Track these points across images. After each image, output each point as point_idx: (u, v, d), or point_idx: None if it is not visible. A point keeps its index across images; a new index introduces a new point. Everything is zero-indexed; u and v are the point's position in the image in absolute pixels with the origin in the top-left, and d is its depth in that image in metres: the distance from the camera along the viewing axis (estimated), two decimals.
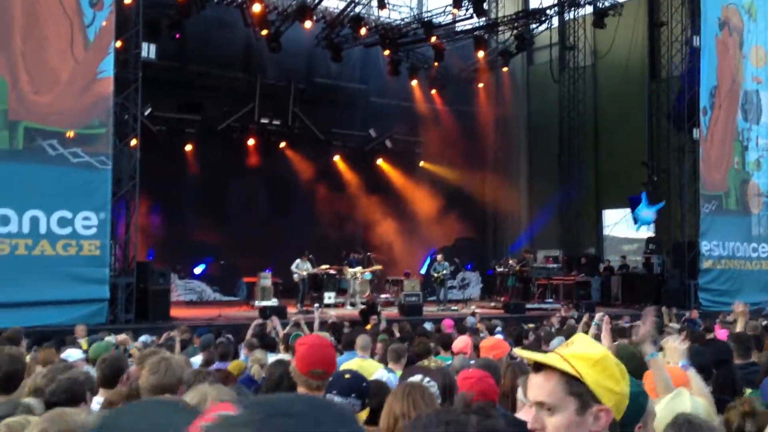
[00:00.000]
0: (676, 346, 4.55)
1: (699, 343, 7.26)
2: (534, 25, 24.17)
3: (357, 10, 21.66)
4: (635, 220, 19.70)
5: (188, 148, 20.60)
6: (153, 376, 3.48)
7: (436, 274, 18.92)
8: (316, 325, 10.16)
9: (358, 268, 19.06)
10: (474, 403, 1.73)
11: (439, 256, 19.57)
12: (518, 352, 2.11)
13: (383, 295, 19.90)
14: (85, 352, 6.57)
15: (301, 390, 3.46)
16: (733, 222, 20.03)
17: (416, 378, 3.69)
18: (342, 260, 19.43)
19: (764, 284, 20.31)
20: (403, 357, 6.25)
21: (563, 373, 1.76)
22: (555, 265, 21.19)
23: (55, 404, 3.69)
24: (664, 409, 3.00)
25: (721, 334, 9.31)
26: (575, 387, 1.76)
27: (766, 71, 21.24)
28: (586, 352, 1.81)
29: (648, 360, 4.09)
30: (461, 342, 7.02)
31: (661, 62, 22.25)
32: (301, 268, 17.94)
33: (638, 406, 2.14)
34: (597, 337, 7.87)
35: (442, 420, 1.05)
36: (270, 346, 7.93)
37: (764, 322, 11.53)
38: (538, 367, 1.82)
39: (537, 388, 1.80)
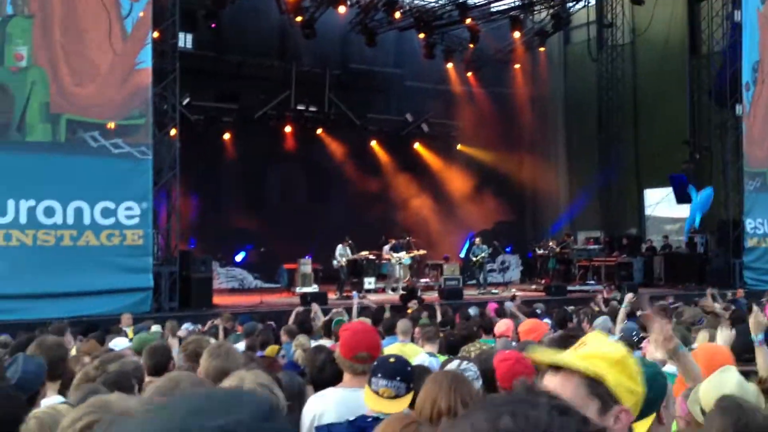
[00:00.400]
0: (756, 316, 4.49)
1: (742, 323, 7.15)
2: (571, 4, 23.79)
3: None
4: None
5: (226, 136, 20.81)
6: (215, 360, 3.55)
7: (475, 258, 18.89)
8: (354, 311, 10.24)
9: (402, 253, 19.11)
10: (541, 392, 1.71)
11: (478, 239, 19.52)
12: (533, 356, 1.91)
13: (423, 280, 19.92)
14: (131, 341, 6.70)
15: (346, 375, 3.50)
16: None
17: (454, 364, 3.70)
18: (381, 245, 19.47)
19: None
20: (434, 338, 6.27)
21: (584, 375, 1.73)
22: (596, 247, 20.96)
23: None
24: (709, 382, 2.97)
25: None
26: (597, 388, 1.72)
27: None
28: (605, 352, 1.79)
29: (678, 354, 4.02)
30: (503, 325, 7.02)
31: (702, 38, 21.73)
32: (343, 254, 18.08)
33: (659, 386, 2.12)
34: (630, 316, 7.80)
35: (512, 399, 1.03)
36: (309, 331, 7.99)
37: None
38: (557, 367, 1.77)
39: (556, 389, 1.71)
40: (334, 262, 18.11)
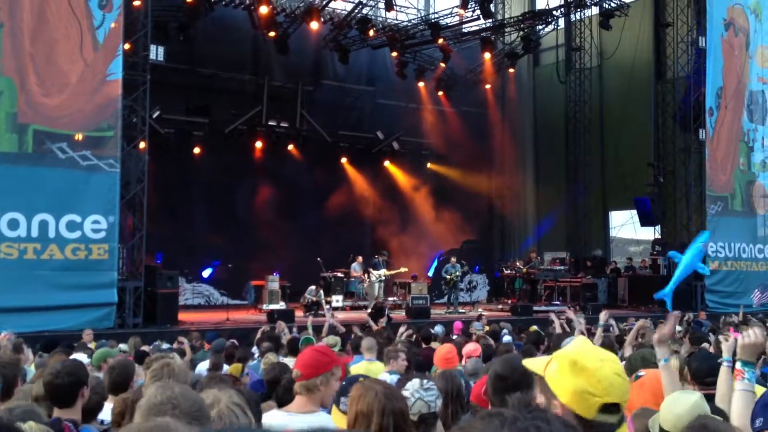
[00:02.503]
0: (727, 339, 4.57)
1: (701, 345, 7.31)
2: (540, 27, 24.19)
3: (364, 11, 21.74)
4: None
5: (196, 150, 20.68)
6: (156, 381, 3.53)
7: (449, 276, 18.97)
8: (325, 328, 10.23)
9: (383, 270, 19.17)
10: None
11: (453, 258, 19.63)
12: (525, 363, 2.23)
13: (391, 298, 19.95)
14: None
15: (297, 398, 3.51)
16: (739, 223, 20.00)
17: (415, 382, 3.70)
18: (349, 263, 19.48)
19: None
20: (373, 350, 6.31)
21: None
22: (562, 267, 21.18)
23: (60, 386, 3.75)
24: (668, 402, 3.06)
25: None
26: (543, 385, 2.00)
27: None
28: (557, 353, 2.05)
29: (661, 364, 4.12)
30: (471, 346, 7.06)
31: (667, 63, 22.24)
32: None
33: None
34: (608, 340, 7.93)
35: (525, 416, 1.12)
36: (276, 349, 7.97)
37: None
38: None
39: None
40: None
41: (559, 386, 1.97)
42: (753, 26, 20.76)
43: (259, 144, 21.80)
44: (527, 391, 2.96)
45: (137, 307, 13.68)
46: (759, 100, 20.77)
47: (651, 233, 22.29)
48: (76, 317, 12.50)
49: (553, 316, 8.55)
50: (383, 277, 19.09)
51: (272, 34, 20.65)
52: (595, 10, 23.24)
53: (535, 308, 18.52)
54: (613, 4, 22.31)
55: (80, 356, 6.44)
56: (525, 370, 3.06)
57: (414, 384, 3.67)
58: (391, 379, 5.22)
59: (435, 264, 22.63)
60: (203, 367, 7.03)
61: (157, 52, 19.47)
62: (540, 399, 2.06)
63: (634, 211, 21.60)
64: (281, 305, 17.21)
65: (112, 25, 13.74)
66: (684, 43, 21.07)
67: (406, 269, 20.08)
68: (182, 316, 15.21)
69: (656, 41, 23.14)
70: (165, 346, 9.26)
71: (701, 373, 4.59)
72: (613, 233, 25.23)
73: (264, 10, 19.48)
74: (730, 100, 20.01)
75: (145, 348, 8.40)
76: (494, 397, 3.08)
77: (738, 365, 3.83)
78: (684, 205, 20.47)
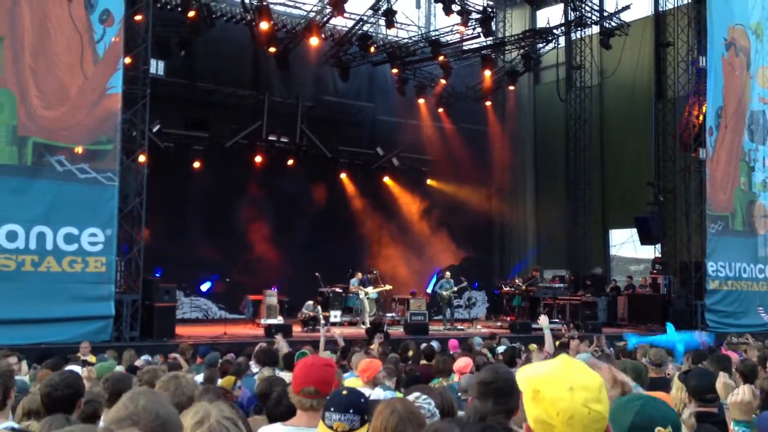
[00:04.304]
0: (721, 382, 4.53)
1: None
2: (541, 45, 24.29)
3: (365, 28, 21.83)
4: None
5: (196, 165, 20.67)
6: (164, 393, 3.49)
7: (445, 293, 18.91)
8: (321, 344, 10.19)
9: (370, 288, 19.12)
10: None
11: (447, 274, 19.57)
12: (518, 373, 2.15)
13: (389, 314, 19.87)
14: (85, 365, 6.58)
15: (298, 411, 3.44)
16: (740, 243, 19.93)
17: (413, 396, 3.69)
18: (348, 278, 19.43)
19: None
20: (392, 374, 6.29)
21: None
22: (561, 285, 21.10)
23: (59, 398, 3.71)
24: None
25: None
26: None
27: None
28: (525, 373, 1.99)
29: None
30: (463, 362, 7.04)
31: (667, 82, 22.30)
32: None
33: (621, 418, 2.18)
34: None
35: None
36: (274, 363, 7.93)
37: None
38: None
39: None
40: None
41: (526, 409, 1.93)
42: (754, 46, 20.80)
43: (258, 159, 21.80)
44: (507, 399, 2.97)
45: (134, 321, 13.61)
46: (760, 120, 20.77)
47: (651, 252, 22.24)
48: (72, 330, 12.44)
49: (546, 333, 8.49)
50: (369, 295, 19.04)
51: (273, 49, 20.73)
52: (595, 29, 23.35)
53: (534, 326, 18.42)
54: (613, 24, 22.42)
55: (75, 368, 6.38)
56: (508, 377, 3.07)
57: (411, 398, 3.68)
58: (386, 395, 5.20)
59: (434, 280, 22.57)
60: (198, 380, 6.96)
61: (157, 67, 19.53)
62: (520, 413, 2.06)
63: (635, 230, 21.56)
64: (279, 320, 17.13)
65: (113, 39, 13.78)
66: (684, 62, 21.11)
67: (391, 287, 20.04)
68: (180, 329, 15.13)
69: (657, 60, 23.23)
70: (148, 358, 9.19)
71: (701, 389, 4.57)
72: (613, 252, 25.19)
73: (264, 26, 19.58)
74: (730, 120, 20.01)
75: (138, 363, 8.33)
76: (477, 401, 3.10)
77: (732, 425, 3.77)
78: (684, 224, 20.43)
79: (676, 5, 22.13)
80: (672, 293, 19.91)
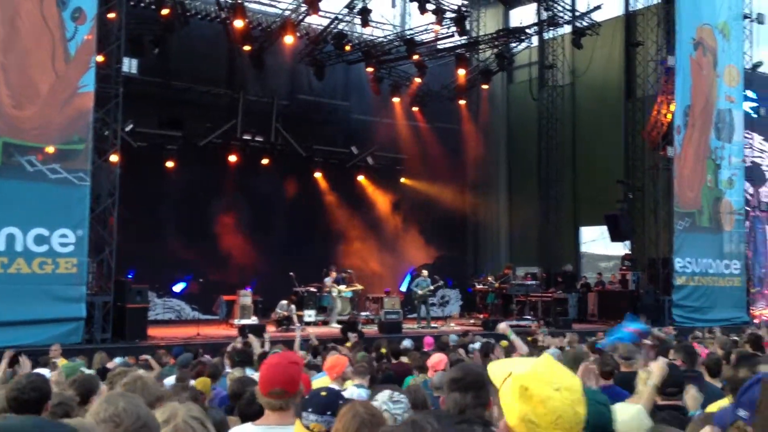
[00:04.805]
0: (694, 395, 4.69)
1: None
2: (514, 44, 24.50)
3: (340, 27, 21.87)
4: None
5: (169, 164, 20.53)
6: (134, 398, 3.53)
7: (420, 291, 19.03)
8: (297, 343, 10.24)
9: (343, 286, 19.19)
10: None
11: (424, 272, 19.69)
12: (490, 368, 2.09)
13: (364, 313, 19.96)
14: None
15: (266, 411, 3.42)
16: (706, 239, 20.32)
17: (385, 394, 3.75)
18: (323, 277, 19.50)
19: (735, 300, 20.63)
20: (365, 372, 6.36)
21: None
22: (533, 282, 21.34)
23: (26, 402, 3.75)
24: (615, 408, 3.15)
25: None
26: (497, 398, 1.94)
27: (739, 91, 21.63)
28: (517, 371, 1.93)
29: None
30: (436, 358, 7.14)
31: (637, 81, 22.61)
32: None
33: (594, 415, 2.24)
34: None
35: (447, 429, 1.07)
36: (247, 362, 7.97)
37: (734, 337, 11.76)
38: None
39: None
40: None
41: (508, 408, 1.89)
42: (721, 46, 21.16)
43: (233, 158, 21.73)
44: (480, 392, 2.99)
45: (106, 322, 13.53)
46: (726, 119, 21.15)
47: (621, 249, 22.57)
48: (43, 332, 12.34)
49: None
50: (343, 293, 19.13)
51: (247, 48, 20.71)
52: (567, 28, 23.58)
53: (507, 323, 18.60)
54: (585, 23, 22.67)
55: (43, 371, 6.40)
56: (478, 373, 3.14)
57: (384, 396, 3.73)
58: (359, 393, 5.28)
59: (408, 279, 22.70)
60: (169, 382, 7.01)
61: (130, 65, 19.42)
62: (495, 410, 2.01)
63: (605, 227, 21.87)
64: (253, 320, 17.14)
65: (86, 37, 13.68)
66: (654, 61, 21.43)
67: (362, 287, 20.13)
68: (152, 331, 15.08)
69: (627, 60, 23.54)
70: (120, 360, 9.20)
71: (663, 383, 4.68)
72: (584, 249, 25.50)
73: (239, 24, 19.53)
74: (697, 119, 20.37)
75: (110, 365, 8.34)
76: (456, 394, 3.14)
77: None
78: (653, 221, 20.78)
79: (646, 5, 22.42)
80: (641, 289, 20.24)
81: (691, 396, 4.77)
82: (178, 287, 20.13)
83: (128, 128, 18.19)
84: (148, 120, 20.01)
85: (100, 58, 14.10)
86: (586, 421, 1.94)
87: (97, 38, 13.89)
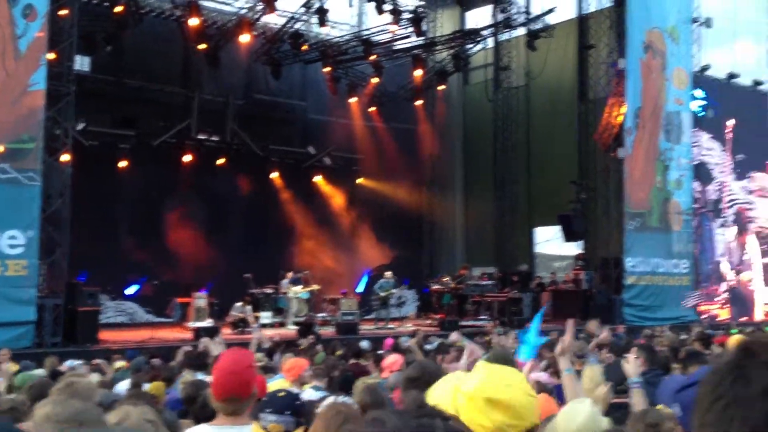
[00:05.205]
0: (631, 360, 4.81)
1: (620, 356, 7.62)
2: (470, 46, 24.72)
3: (297, 26, 21.80)
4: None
5: (122, 164, 20.22)
6: (77, 403, 3.50)
7: (384, 293, 19.08)
8: (253, 346, 10.18)
9: (299, 287, 19.12)
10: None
11: (388, 273, 19.76)
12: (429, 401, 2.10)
13: (320, 314, 19.93)
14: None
15: (219, 415, 3.33)
16: (656, 239, 20.78)
17: (329, 399, 3.79)
18: (279, 279, 19.42)
19: (684, 299, 21.15)
20: (322, 374, 6.39)
21: None
22: (489, 282, 21.57)
23: None
24: (564, 413, 3.21)
25: None
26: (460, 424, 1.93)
27: (688, 93, 22.17)
28: (465, 389, 1.99)
29: (564, 374, 4.32)
30: (392, 359, 7.20)
31: (590, 84, 23.01)
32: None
33: None
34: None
35: (409, 425, 1.06)
36: (202, 367, 7.92)
37: (683, 336, 12.09)
38: None
39: None
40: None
41: (476, 424, 1.91)
42: (670, 49, 21.65)
43: (187, 158, 21.43)
44: None
45: (57, 326, 13.27)
46: (675, 121, 21.66)
47: (574, 249, 22.95)
48: None
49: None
50: (299, 294, 19.09)
51: (203, 46, 20.50)
52: (522, 31, 23.86)
53: (463, 323, 18.81)
54: (539, 26, 22.97)
55: None
56: (435, 370, 3.19)
57: (340, 398, 3.77)
58: (317, 395, 5.32)
59: (365, 280, 22.73)
60: (123, 386, 6.95)
61: (82, 63, 19.04)
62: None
63: (559, 227, 22.22)
64: (208, 322, 16.98)
65: (37, 34, 13.44)
66: (605, 64, 21.83)
67: (320, 287, 20.13)
68: (104, 334, 14.81)
69: (580, 62, 23.93)
70: (77, 362, 9.08)
71: (613, 381, 4.85)
72: (538, 249, 25.86)
73: (194, 22, 19.33)
74: (647, 121, 20.82)
75: (62, 368, 8.23)
76: (406, 395, 3.18)
77: None
78: (605, 221, 21.18)
79: (598, 9, 22.81)
80: (593, 288, 20.61)
81: (630, 361, 4.87)
82: (131, 290, 19.80)
83: (80, 127, 17.88)
84: (100, 119, 19.68)
85: (51, 56, 13.88)
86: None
87: (49, 35, 13.67)
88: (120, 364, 9.36)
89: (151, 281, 19.39)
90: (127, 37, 19.78)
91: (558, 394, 4.54)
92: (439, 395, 2.07)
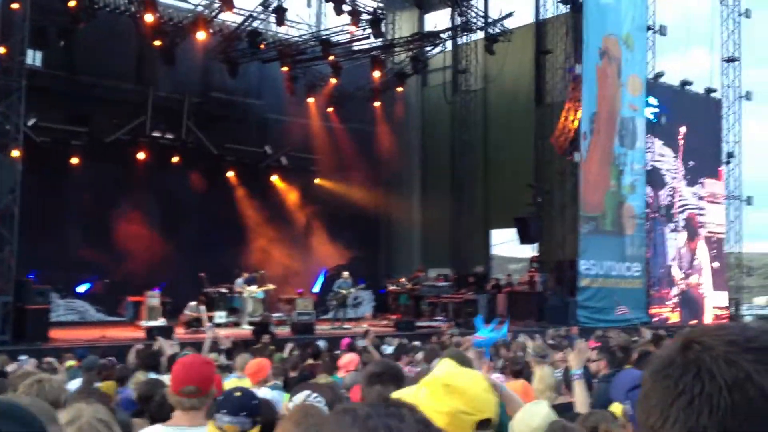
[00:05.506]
0: (580, 349, 4.90)
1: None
2: (429, 48, 24.83)
3: (255, 25, 21.62)
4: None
5: (74, 161, 19.84)
6: (26, 398, 3.41)
7: (343, 291, 19.03)
8: (206, 346, 10.05)
9: (254, 287, 18.96)
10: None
11: (346, 273, 19.71)
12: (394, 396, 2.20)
13: (276, 314, 19.79)
14: None
15: (176, 411, 3.36)
16: (609, 242, 21.14)
17: (303, 394, 3.77)
18: (234, 278, 19.23)
19: (636, 302, 21.53)
20: (279, 374, 6.36)
21: None
22: (445, 284, 21.67)
23: None
24: (520, 414, 3.25)
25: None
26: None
27: (642, 99, 22.60)
28: (425, 379, 2.09)
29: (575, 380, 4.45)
30: (347, 359, 7.20)
31: (546, 88, 23.28)
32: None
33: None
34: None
35: (379, 413, 1.06)
36: (155, 367, 7.81)
37: (635, 338, 12.31)
38: None
39: None
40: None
41: (433, 411, 1.96)
42: (625, 56, 22.05)
43: (141, 155, 21.09)
44: (399, 384, 3.03)
45: (5, 324, 12.99)
46: (629, 126, 22.07)
47: (529, 251, 23.21)
48: None
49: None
50: (255, 294, 18.95)
51: (158, 43, 20.19)
52: (480, 34, 24.06)
53: (419, 324, 18.88)
54: (497, 30, 23.19)
55: None
56: (395, 366, 3.21)
57: (302, 396, 3.74)
58: (273, 395, 5.27)
59: (321, 280, 22.64)
60: (74, 384, 6.79)
61: (34, 58, 18.58)
62: None
63: (515, 230, 22.44)
64: (161, 322, 16.74)
65: None
66: (562, 69, 22.13)
67: (275, 287, 20.01)
68: (55, 333, 14.53)
69: (537, 67, 24.19)
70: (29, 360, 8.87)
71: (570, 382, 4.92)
72: (494, 251, 26.11)
73: (150, 18, 19.02)
74: (602, 126, 21.17)
75: (11, 367, 8.02)
76: (369, 392, 3.18)
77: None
78: (560, 224, 21.45)
79: (555, 14, 23.10)
80: (547, 290, 20.86)
81: (575, 351, 4.95)
82: (82, 288, 19.43)
83: (31, 123, 17.47)
84: (52, 115, 19.27)
85: (2, 50, 13.56)
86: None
87: (0, 30, 13.31)
88: (71, 362, 9.16)
89: (103, 279, 19.04)
90: (80, 32, 19.40)
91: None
92: (403, 392, 2.16)
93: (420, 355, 9.00)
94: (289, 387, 6.26)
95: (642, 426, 1.07)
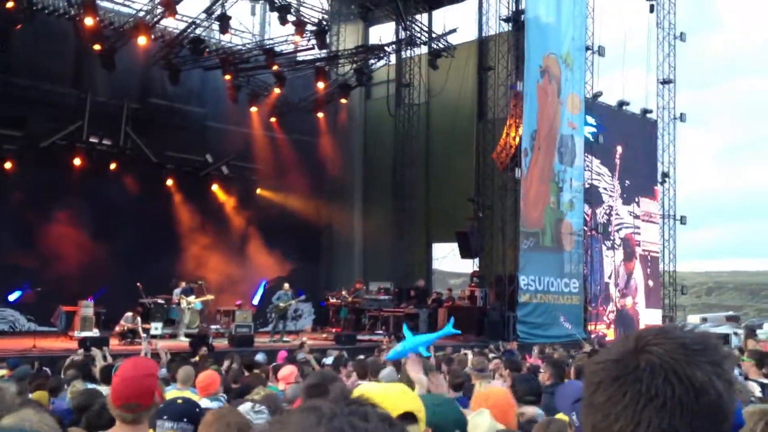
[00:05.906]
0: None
1: (517, 371, 7.84)
2: (373, 61, 24.93)
3: (198, 32, 21.34)
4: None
5: (7, 165, 19.23)
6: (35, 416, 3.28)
7: (282, 304, 18.81)
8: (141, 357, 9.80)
9: (192, 297, 18.59)
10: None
11: (287, 285, 19.50)
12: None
13: (214, 326, 19.46)
14: None
15: (117, 423, 3.26)
16: (548, 258, 21.47)
17: (246, 406, 3.71)
18: (171, 288, 18.83)
19: (574, 317, 21.90)
20: (223, 385, 6.26)
21: None
22: (386, 297, 21.66)
23: None
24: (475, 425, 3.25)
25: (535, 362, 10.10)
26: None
27: (580, 118, 23.10)
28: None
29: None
30: (287, 371, 7.13)
31: (488, 104, 23.63)
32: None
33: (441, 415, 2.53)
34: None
35: (343, 411, 1.07)
36: (90, 376, 7.61)
37: (573, 353, 12.53)
38: None
39: None
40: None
41: None
42: (564, 75, 22.53)
43: (78, 161, 20.57)
44: None
45: None
46: (569, 144, 22.52)
47: (470, 266, 23.39)
48: None
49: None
50: (193, 305, 18.60)
51: (98, 47, 19.72)
52: (424, 49, 24.31)
53: (359, 337, 18.81)
54: (441, 45, 23.44)
55: None
56: (334, 377, 3.21)
57: (246, 407, 3.71)
58: (213, 405, 5.16)
59: (261, 291, 22.37)
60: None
61: None
62: None
63: (456, 244, 22.60)
64: (95, 333, 16.27)
65: None
66: (504, 86, 22.48)
67: (213, 297, 19.71)
68: None
69: (479, 83, 24.56)
70: None
71: (520, 392, 5.10)
72: (435, 265, 26.24)
73: (89, 22, 18.56)
74: (543, 143, 21.54)
75: None
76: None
77: None
78: (500, 239, 21.71)
79: (497, 32, 23.47)
80: (488, 305, 21.04)
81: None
82: (12, 296, 18.75)
83: None
84: None
85: None
86: (428, 422, 2.21)
87: None
88: (2, 372, 8.82)
89: (35, 288, 18.38)
90: (17, 34, 18.90)
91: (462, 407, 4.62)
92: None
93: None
94: (230, 399, 6.17)
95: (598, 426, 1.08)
